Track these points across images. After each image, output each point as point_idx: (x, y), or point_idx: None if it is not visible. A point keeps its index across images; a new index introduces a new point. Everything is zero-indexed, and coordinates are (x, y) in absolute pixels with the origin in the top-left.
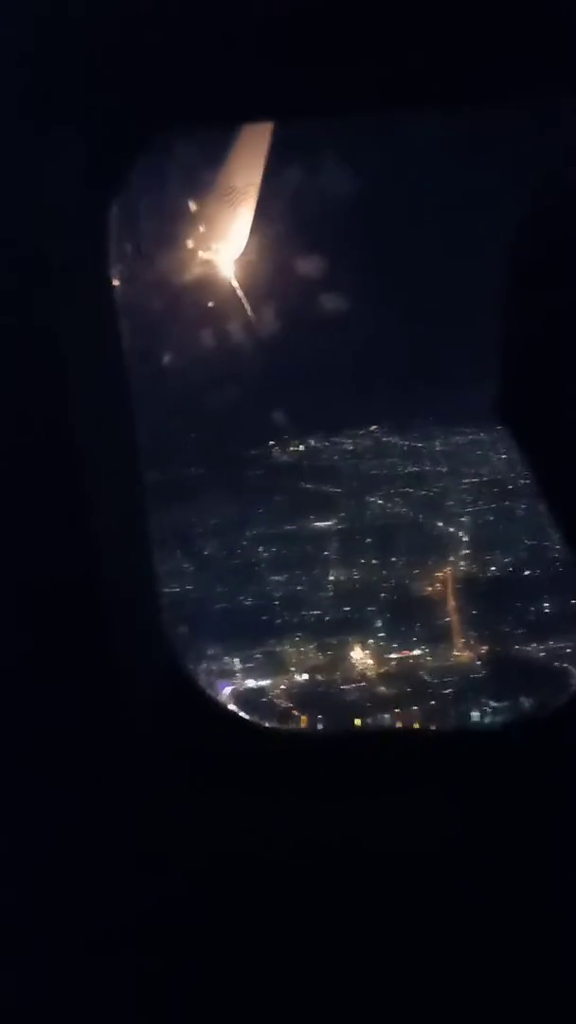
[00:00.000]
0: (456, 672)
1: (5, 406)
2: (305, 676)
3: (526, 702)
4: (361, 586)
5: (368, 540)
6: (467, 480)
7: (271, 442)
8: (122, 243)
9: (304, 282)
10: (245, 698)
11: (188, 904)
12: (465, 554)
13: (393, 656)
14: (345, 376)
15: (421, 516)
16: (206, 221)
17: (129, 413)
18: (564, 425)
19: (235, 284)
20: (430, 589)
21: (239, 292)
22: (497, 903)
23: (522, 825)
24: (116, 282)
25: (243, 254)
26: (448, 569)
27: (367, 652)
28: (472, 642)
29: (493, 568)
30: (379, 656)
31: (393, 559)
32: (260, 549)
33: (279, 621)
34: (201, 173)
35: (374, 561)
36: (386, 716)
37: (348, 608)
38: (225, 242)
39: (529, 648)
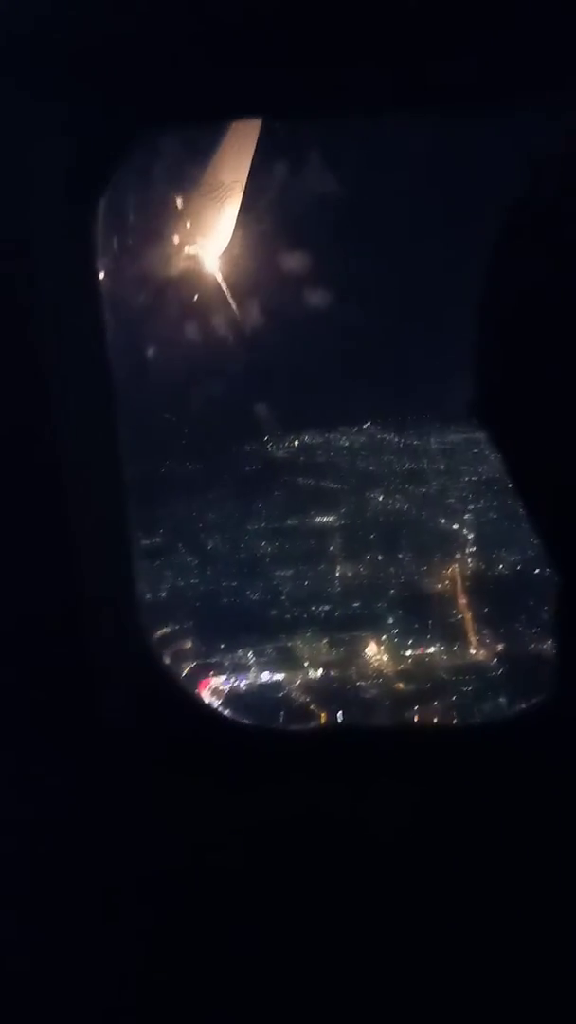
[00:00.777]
0: (474, 670)
1: None
2: (320, 672)
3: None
4: (369, 582)
5: (372, 536)
6: (466, 478)
7: (265, 438)
8: (109, 239)
9: (292, 278)
10: (261, 692)
11: (166, 898)
12: (471, 552)
13: (408, 653)
14: (336, 373)
15: (423, 514)
16: (192, 217)
17: (111, 407)
18: (542, 425)
19: (220, 280)
20: (439, 586)
21: (224, 288)
22: (486, 898)
23: (513, 822)
24: (102, 278)
25: (229, 249)
26: (456, 567)
27: (382, 648)
28: (487, 640)
29: (501, 567)
30: (394, 653)
31: (399, 556)
32: (263, 544)
33: (288, 616)
34: (188, 169)
35: (380, 557)
36: (406, 713)
37: (357, 604)
38: (211, 238)
39: (545, 647)
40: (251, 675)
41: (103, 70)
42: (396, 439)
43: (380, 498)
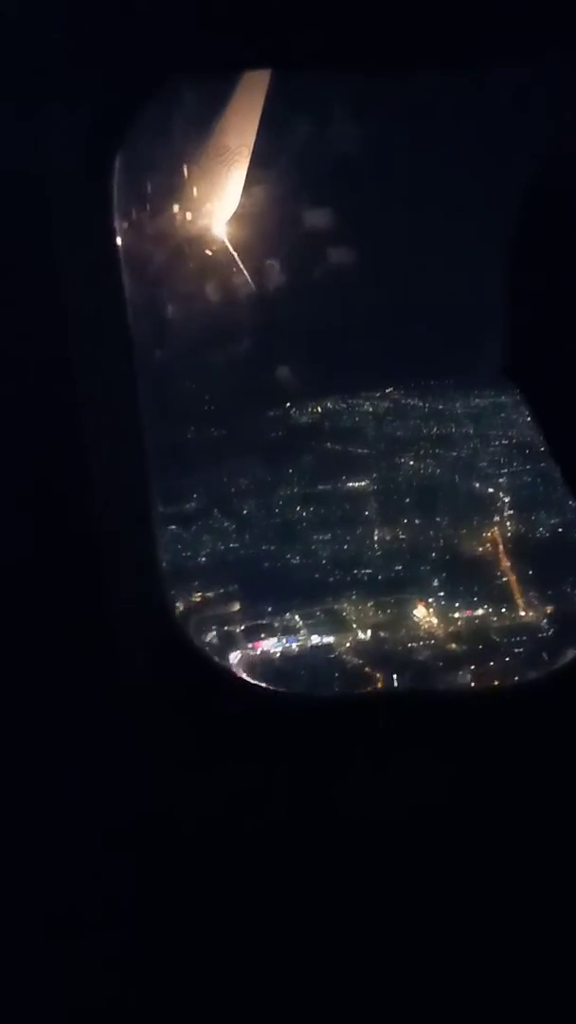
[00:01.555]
0: (525, 631)
1: (7, 354)
2: (370, 634)
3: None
4: (409, 546)
5: (406, 501)
6: (496, 443)
7: (287, 404)
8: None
9: (309, 240)
10: (314, 654)
11: (181, 854)
12: (509, 515)
13: (457, 616)
14: (356, 338)
15: (456, 477)
16: (200, 182)
17: (130, 363)
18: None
19: (229, 244)
20: (481, 549)
21: (233, 252)
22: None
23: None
24: (119, 238)
25: (243, 212)
26: (495, 530)
27: (431, 611)
28: (536, 601)
29: (541, 529)
30: (443, 615)
31: (436, 519)
32: (297, 509)
33: (331, 579)
34: (199, 131)
35: (417, 521)
36: (460, 674)
37: (400, 567)
38: (219, 202)
39: None
40: (301, 637)
41: (118, 25)
42: (421, 404)
43: (411, 463)
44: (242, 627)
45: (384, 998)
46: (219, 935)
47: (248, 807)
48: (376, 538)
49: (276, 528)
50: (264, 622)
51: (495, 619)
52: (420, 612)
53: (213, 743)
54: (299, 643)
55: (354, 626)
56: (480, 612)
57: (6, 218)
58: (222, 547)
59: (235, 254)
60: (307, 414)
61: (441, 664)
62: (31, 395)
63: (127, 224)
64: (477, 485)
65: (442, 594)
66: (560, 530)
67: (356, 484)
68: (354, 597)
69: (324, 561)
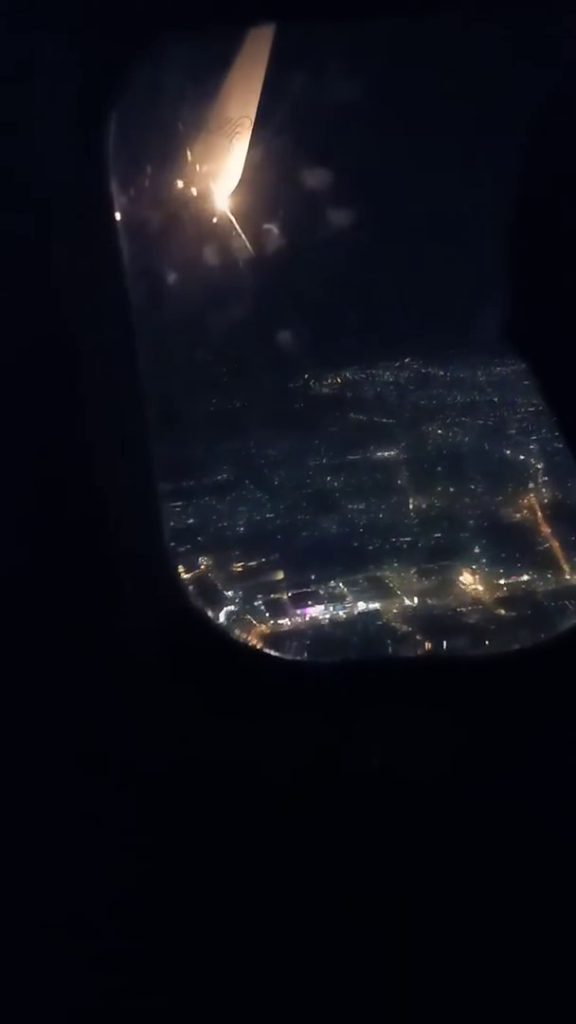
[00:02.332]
0: (572, 595)
1: (4, 323)
2: (416, 600)
3: None
4: (446, 513)
5: (438, 469)
6: (522, 410)
7: (306, 375)
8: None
9: (317, 206)
10: (362, 620)
11: (185, 819)
12: (544, 481)
13: (503, 581)
14: (373, 308)
15: (486, 445)
16: (202, 153)
17: (129, 330)
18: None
19: (231, 215)
20: (519, 516)
21: (234, 222)
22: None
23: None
24: (117, 205)
25: (247, 180)
26: (532, 496)
27: (476, 577)
28: None
29: None
30: (489, 581)
31: (471, 487)
32: (328, 478)
33: (371, 547)
34: (197, 99)
35: (451, 489)
36: (512, 639)
37: (439, 535)
38: (221, 173)
39: None
40: (348, 604)
41: None
42: (442, 373)
43: (439, 431)
44: (289, 594)
45: (389, 967)
46: (223, 908)
47: (256, 775)
48: (412, 506)
49: (309, 498)
50: (309, 590)
51: (542, 584)
52: (466, 578)
53: (223, 711)
54: (346, 610)
55: (399, 593)
56: (525, 577)
57: None
58: (258, 517)
59: (235, 223)
60: (327, 385)
61: (493, 628)
62: (26, 368)
63: (132, 192)
64: (508, 452)
65: (484, 560)
66: None
67: (385, 453)
68: (396, 565)
69: (361, 529)
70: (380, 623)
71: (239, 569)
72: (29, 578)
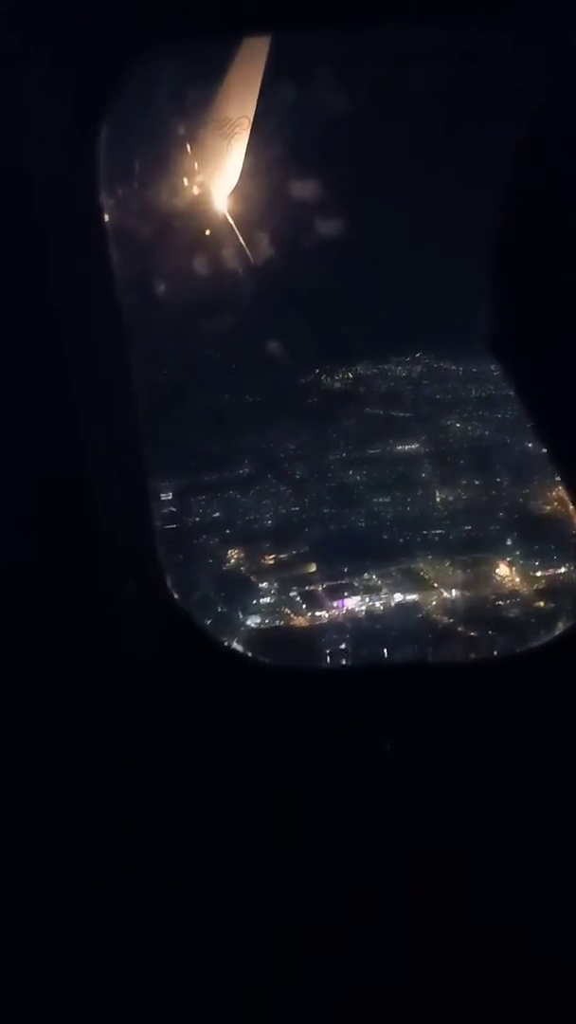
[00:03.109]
0: None
1: None
2: (454, 592)
3: None
4: (474, 506)
5: (461, 462)
6: None
7: (316, 370)
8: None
9: (320, 206)
10: (401, 612)
11: (183, 823)
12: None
13: (540, 574)
14: (381, 304)
15: (507, 439)
16: (201, 153)
17: (119, 335)
18: (559, 360)
19: (229, 217)
20: (548, 508)
21: (232, 222)
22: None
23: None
24: (108, 212)
25: (247, 181)
26: (560, 489)
27: (513, 569)
28: None
29: None
30: (525, 573)
31: (497, 480)
32: (351, 472)
33: (402, 540)
34: (194, 104)
35: (476, 482)
36: (553, 632)
37: (469, 527)
38: (220, 174)
39: None
40: (384, 596)
41: None
42: (454, 367)
43: (457, 425)
44: (323, 586)
45: (385, 957)
46: (221, 906)
47: (246, 777)
48: (438, 499)
49: (333, 491)
50: (343, 582)
51: None
52: (503, 571)
53: (210, 713)
54: (382, 602)
55: (435, 585)
56: (563, 570)
57: None
58: (284, 511)
59: (235, 223)
60: (339, 380)
61: (533, 621)
62: (18, 372)
63: (134, 190)
64: (530, 445)
65: (518, 553)
66: None
67: (406, 447)
68: (429, 557)
69: (389, 523)
70: (420, 616)
71: (271, 562)
72: (22, 580)
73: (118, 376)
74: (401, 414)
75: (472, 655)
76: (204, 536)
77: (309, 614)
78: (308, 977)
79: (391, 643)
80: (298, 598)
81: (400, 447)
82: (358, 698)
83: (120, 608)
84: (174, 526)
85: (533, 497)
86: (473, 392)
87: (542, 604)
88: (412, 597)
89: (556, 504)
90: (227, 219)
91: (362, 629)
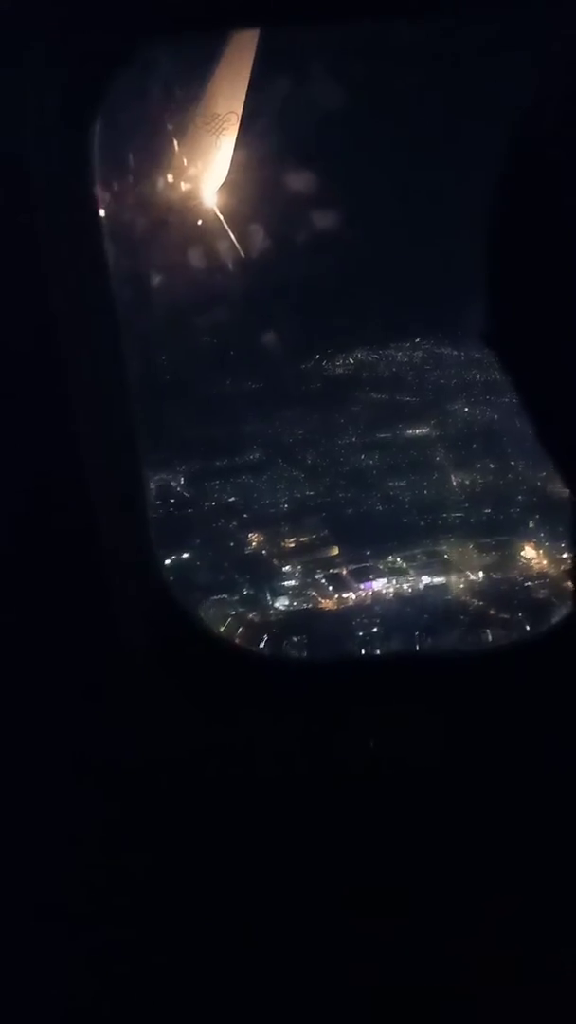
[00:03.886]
0: None
1: None
2: (481, 575)
3: None
4: (491, 489)
5: (474, 446)
6: None
7: (317, 356)
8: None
9: (303, 202)
10: (430, 594)
11: (178, 816)
12: None
13: (565, 555)
14: (376, 290)
15: (518, 422)
16: (188, 148)
17: (115, 329)
18: (556, 351)
19: (218, 212)
20: (566, 492)
21: (222, 219)
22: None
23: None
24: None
25: (235, 177)
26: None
27: (539, 552)
28: None
29: None
30: (551, 555)
31: (512, 463)
32: (363, 457)
33: (422, 523)
34: (183, 99)
35: (492, 466)
36: None
37: (488, 510)
38: (208, 169)
39: None
40: (411, 578)
41: None
42: (455, 352)
43: (465, 409)
44: (348, 569)
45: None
46: (218, 901)
47: (242, 771)
48: (455, 483)
49: (347, 476)
50: (368, 564)
51: None
52: (528, 552)
53: (206, 707)
54: (411, 584)
55: (461, 567)
56: None
57: None
58: (298, 495)
59: (224, 219)
60: (341, 365)
61: (566, 604)
62: (13, 366)
63: (128, 184)
64: None
65: (542, 535)
66: None
67: (416, 431)
68: (452, 540)
69: (407, 506)
70: (449, 598)
71: (292, 545)
72: (18, 575)
73: (113, 371)
74: (407, 399)
75: (504, 639)
76: (222, 520)
77: (336, 596)
78: (303, 971)
79: (424, 626)
80: (323, 580)
81: (410, 432)
82: (355, 692)
83: (116, 602)
84: (189, 510)
85: (551, 480)
86: (478, 376)
87: (571, 585)
88: (440, 580)
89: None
90: (217, 214)
91: (393, 612)
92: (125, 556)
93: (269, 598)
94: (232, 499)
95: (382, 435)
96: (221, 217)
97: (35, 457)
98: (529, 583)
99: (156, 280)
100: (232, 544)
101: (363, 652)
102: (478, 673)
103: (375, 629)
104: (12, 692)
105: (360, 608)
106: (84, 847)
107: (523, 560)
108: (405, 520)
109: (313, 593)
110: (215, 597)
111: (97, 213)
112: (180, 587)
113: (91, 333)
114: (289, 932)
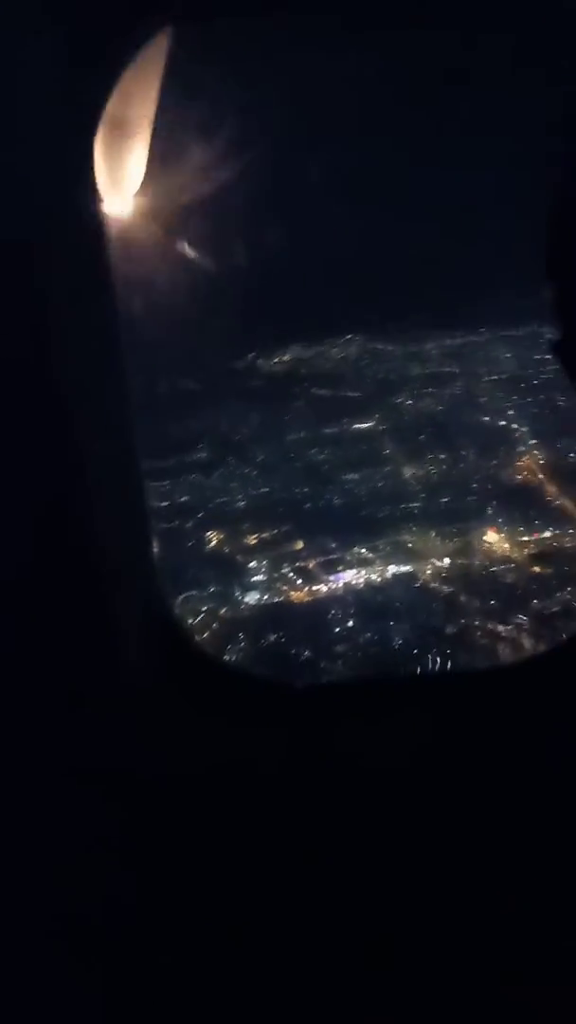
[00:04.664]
0: None
1: None
2: (447, 561)
3: None
4: (445, 479)
5: (421, 437)
6: (486, 379)
7: (251, 354)
8: None
9: (227, 201)
10: (400, 582)
11: (170, 826)
12: (533, 444)
13: (526, 538)
14: (306, 288)
15: (462, 413)
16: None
17: (115, 332)
18: None
19: (140, 217)
20: (520, 478)
21: (144, 223)
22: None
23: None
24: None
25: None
26: (527, 458)
27: (500, 536)
28: None
29: (572, 455)
30: (513, 539)
31: (462, 453)
32: (312, 451)
33: (381, 515)
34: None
35: (442, 456)
36: (559, 595)
37: (446, 499)
38: (122, 175)
39: None
40: (379, 568)
41: None
42: (391, 347)
43: (409, 402)
44: (315, 562)
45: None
46: (220, 910)
47: (240, 786)
48: (408, 475)
49: (299, 471)
50: (335, 556)
51: (567, 539)
52: (491, 537)
53: (204, 723)
54: (378, 573)
55: (426, 555)
56: (548, 534)
57: None
58: (254, 492)
59: (152, 219)
60: (278, 363)
61: (534, 587)
62: (11, 377)
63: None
64: (487, 419)
65: (501, 521)
66: None
67: (362, 425)
68: (414, 529)
69: (364, 499)
70: (418, 585)
71: (254, 541)
72: (17, 592)
73: (115, 384)
74: (349, 393)
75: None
76: (177, 520)
77: (307, 588)
78: (306, 979)
79: (397, 614)
80: (291, 574)
81: (356, 425)
82: (348, 710)
83: (116, 620)
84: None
85: (502, 468)
86: (417, 370)
87: (537, 569)
88: (407, 568)
89: (527, 474)
90: (139, 219)
91: (365, 602)
92: (126, 575)
93: (239, 593)
94: (184, 499)
95: (329, 430)
96: (142, 222)
97: (36, 476)
98: (495, 568)
99: None
100: (192, 543)
101: (342, 646)
102: (473, 691)
103: (350, 623)
104: (10, 706)
105: (333, 599)
106: (82, 863)
107: (486, 545)
108: (364, 512)
109: (283, 587)
110: (184, 595)
111: (99, 222)
112: None
113: (92, 345)
114: (287, 944)
